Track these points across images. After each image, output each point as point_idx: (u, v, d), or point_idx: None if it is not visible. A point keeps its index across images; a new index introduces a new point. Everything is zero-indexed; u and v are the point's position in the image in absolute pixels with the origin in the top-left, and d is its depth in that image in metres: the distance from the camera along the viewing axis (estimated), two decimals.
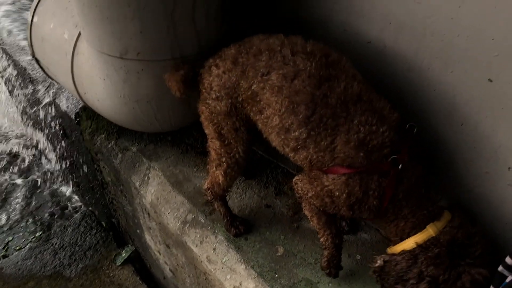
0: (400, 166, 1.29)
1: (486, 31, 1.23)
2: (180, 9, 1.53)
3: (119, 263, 2.89)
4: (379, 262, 1.34)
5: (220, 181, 1.72)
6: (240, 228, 1.84)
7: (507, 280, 1.13)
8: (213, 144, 1.67)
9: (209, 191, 1.79)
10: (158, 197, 2.13)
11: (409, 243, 1.33)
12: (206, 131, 1.68)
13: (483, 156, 1.45)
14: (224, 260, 1.82)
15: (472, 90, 1.36)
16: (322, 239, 1.56)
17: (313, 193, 1.43)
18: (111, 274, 2.83)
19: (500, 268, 1.19)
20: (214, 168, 1.71)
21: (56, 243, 3.02)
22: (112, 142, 2.40)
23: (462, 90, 1.40)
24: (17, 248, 3.17)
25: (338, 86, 1.33)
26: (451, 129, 1.50)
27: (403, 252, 1.32)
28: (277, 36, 1.48)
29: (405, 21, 1.44)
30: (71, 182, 3.61)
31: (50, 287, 2.75)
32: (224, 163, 1.66)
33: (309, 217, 1.55)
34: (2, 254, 3.12)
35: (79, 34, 1.96)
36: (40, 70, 2.50)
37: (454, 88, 1.42)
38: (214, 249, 1.87)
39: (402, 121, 1.37)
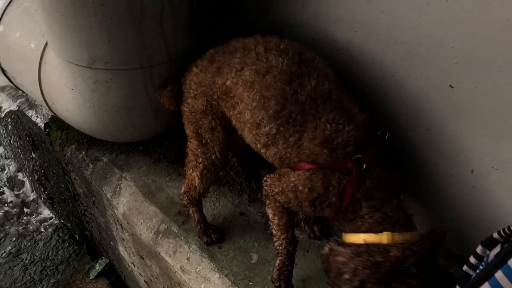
0: (364, 166, 1.30)
1: (445, 39, 1.27)
2: (148, 19, 1.53)
3: (93, 276, 2.83)
4: (325, 250, 1.30)
5: (196, 184, 1.71)
6: (212, 237, 1.84)
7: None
8: (191, 145, 1.67)
9: (185, 195, 1.79)
10: (130, 207, 2.11)
11: (359, 238, 1.30)
12: (186, 132, 1.69)
13: (448, 159, 1.49)
14: (198, 269, 1.81)
15: (435, 96, 1.41)
16: (276, 243, 1.56)
17: (280, 189, 1.43)
18: None
19: (465, 267, 1.22)
20: (191, 170, 1.71)
21: (26, 258, 2.94)
22: (83, 152, 2.36)
23: (426, 96, 1.44)
24: None
25: (308, 83, 1.34)
26: (418, 134, 1.53)
27: (349, 245, 1.28)
28: (254, 36, 1.51)
29: (370, 29, 1.48)
30: (42, 194, 3.52)
31: None
32: (201, 164, 1.66)
33: (270, 216, 1.55)
34: None
35: (46, 43, 1.93)
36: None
37: (418, 95, 1.46)
38: (188, 259, 1.85)
39: (372, 124, 1.39)
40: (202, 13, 1.75)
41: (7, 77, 2.36)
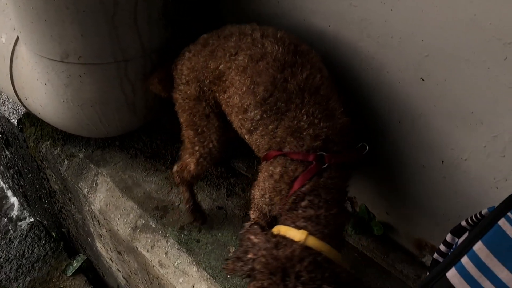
0: (325, 164, 1.28)
1: (416, 33, 1.30)
2: (121, 13, 1.51)
3: (70, 274, 2.80)
4: (247, 225, 1.26)
5: (191, 169, 1.70)
6: (198, 217, 1.87)
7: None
8: (187, 133, 1.65)
9: (177, 174, 1.78)
10: (107, 203, 2.09)
11: (278, 228, 1.25)
12: (181, 120, 1.66)
13: (419, 151, 1.52)
14: (176, 263, 1.81)
15: (407, 89, 1.44)
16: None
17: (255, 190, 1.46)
18: (62, 286, 2.74)
19: (435, 255, 1.26)
20: (187, 155, 1.69)
21: (1, 257, 2.88)
22: (58, 149, 2.32)
23: (398, 89, 1.47)
24: None
25: (300, 74, 1.33)
26: (391, 126, 1.56)
27: (265, 230, 1.22)
28: (251, 24, 1.50)
29: (343, 23, 1.50)
30: (17, 192, 3.45)
31: None
32: (197, 152, 1.65)
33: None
34: None
35: (17, 37, 1.88)
36: None
37: (390, 87, 1.48)
38: (166, 253, 1.85)
39: (351, 130, 1.37)
40: (177, 6, 1.73)
41: None
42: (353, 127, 1.38)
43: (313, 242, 1.16)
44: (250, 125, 1.41)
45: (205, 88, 1.53)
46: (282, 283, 1.06)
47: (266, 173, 1.38)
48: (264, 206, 1.44)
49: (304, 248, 1.12)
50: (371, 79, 1.53)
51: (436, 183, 1.54)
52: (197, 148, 1.64)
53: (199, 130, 1.60)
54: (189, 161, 1.69)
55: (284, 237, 1.17)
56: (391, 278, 1.71)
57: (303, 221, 1.22)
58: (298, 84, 1.32)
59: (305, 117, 1.31)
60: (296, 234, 1.17)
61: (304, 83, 1.33)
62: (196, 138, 1.62)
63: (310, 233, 1.18)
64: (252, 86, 1.37)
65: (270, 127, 1.36)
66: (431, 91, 1.37)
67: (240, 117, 1.44)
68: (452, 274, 0.93)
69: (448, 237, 1.21)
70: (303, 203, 1.25)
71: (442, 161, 1.47)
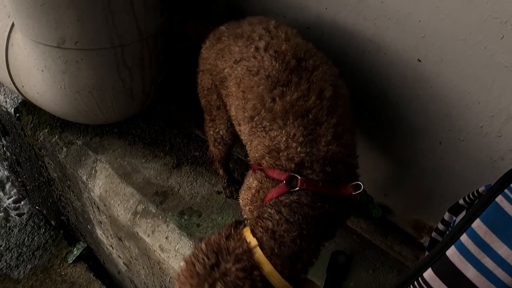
0: (297, 188, 1.18)
1: (412, 13, 1.30)
2: None
3: (71, 261, 2.82)
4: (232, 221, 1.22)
5: (211, 150, 1.78)
6: (233, 193, 1.93)
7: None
8: (204, 117, 1.69)
9: (210, 153, 1.84)
10: (106, 189, 2.10)
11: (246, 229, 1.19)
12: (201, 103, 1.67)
13: (417, 133, 1.54)
14: (177, 247, 1.83)
15: (404, 71, 1.44)
16: None
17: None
18: (63, 273, 2.76)
19: (433, 234, 1.28)
20: (208, 138, 1.76)
21: (1, 245, 2.89)
22: (56, 136, 2.32)
23: (395, 70, 1.47)
24: None
25: (290, 94, 1.24)
26: (388, 108, 1.57)
27: (231, 225, 1.18)
28: (268, 22, 1.41)
29: (340, 6, 1.49)
30: (15, 181, 3.45)
31: None
32: (212, 137, 1.70)
33: None
34: None
35: (13, 24, 1.87)
36: None
37: (388, 69, 1.49)
38: (167, 238, 1.87)
39: (337, 162, 1.21)
40: None
41: None
42: (348, 160, 1.24)
43: (259, 254, 1.09)
44: (243, 137, 1.41)
45: (216, 82, 1.50)
46: (210, 270, 1.04)
47: (247, 184, 1.37)
48: (245, 215, 1.43)
49: (248, 253, 1.08)
50: (368, 62, 1.53)
51: (434, 165, 1.55)
52: (211, 132, 1.69)
53: (212, 117, 1.63)
54: (209, 143, 1.77)
55: (240, 235, 1.13)
56: (390, 259, 1.73)
57: (260, 230, 1.15)
58: (284, 106, 1.23)
59: (283, 138, 1.22)
60: (250, 239, 1.12)
61: (291, 105, 1.22)
62: (210, 124, 1.67)
63: (261, 246, 1.11)
64: (243, 102, 1.33)
65: (255, 143, 1.32)
66: (427, 72, 1.38)
67: (237, 128, 1.45)
68: (452, 253, 0.94)
69: (446, 216, 1.23)
70: (265, 214, 1.18)
71: (440, 142, 1.49)
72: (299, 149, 1.20)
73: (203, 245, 1.10)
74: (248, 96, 1.31)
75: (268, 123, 1.26)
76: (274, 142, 1.24)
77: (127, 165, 2.13)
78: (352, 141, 1.30)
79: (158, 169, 2.11)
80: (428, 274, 0.97)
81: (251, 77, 1.32)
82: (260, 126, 1.28)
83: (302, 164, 1.20)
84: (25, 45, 1.77)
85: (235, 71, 1.37)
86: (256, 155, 1.32)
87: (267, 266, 1.08)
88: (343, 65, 1.59)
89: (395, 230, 1.80)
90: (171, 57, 1.95)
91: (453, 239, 0.95)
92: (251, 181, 1.35)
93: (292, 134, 1.21)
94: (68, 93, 1.79)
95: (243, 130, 1.37)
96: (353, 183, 1.20)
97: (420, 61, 1.37)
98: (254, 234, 1.14)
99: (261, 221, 1.17)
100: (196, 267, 1.06)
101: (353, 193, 1.19)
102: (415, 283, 1.00)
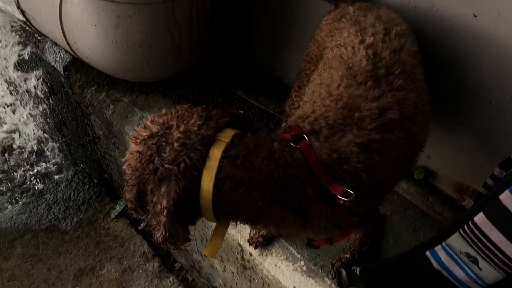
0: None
1: None
2: None
3: (114, 216, 2.95)
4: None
5: (287, 111, 1.74)
6: None
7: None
8: (295, 80, 1.67)
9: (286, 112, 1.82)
10: None
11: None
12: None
13: (467, 91, 1.52)
14: None
15: (458, 27, 1.42)
16: None
17: None
18: (106, 227, 2.90)
19: (482, 189, 1.28)
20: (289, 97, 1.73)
21: (49, 199, 3.05)
22: (103, 94, 2.40)
23: (448, 27, 1.45)
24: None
25: (357, 90, 1.15)
26: (438, 67, 1.55)
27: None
28: (383, 13, 1.36)
29: None
30: (59, 141, 3.61)
31: (46, 239, 2.81)
32: (290, 100, 1.69)
33: None
34: None
35: None
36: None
37: (441, 27, 1.47)
38: None
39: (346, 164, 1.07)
40: None
41: (27, 19, 2.37)
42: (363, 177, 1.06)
43: (216, 150, 0.97)
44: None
45: (317, 56, 1.46)
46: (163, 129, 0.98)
47: None
48: None
49: (206, 138, 0.97)
50: (421, 19, 1.51)
51: (482, 125, 1.54)
52: (293, 96, 1.66)
53: (301, 84, 1.60)
54: (288, 101, 1.73)
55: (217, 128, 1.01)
56: (431, 220, 1.74)
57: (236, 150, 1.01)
58: (345, 98, 1.14)
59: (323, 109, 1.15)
60: (223, 136, 1.00)
61: (350, 99, 1.13)
62: (297, 88, 1.63)
63: (225, 152, 0.97)
64: (312, 93, 1.24)
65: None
66: (483, 28, 1.35)
67: None
68: (505, 196, 0.94)
69: (496, 171, 1.23)
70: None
71: (490, 102, 1.47)
72: (323, 123, 1.10)
73: (178, 110, 1.02)
74: (324, 74, 1.25)
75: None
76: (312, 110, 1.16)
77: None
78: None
79: None
80: (479, 217, 0.98)
81: (338, 60, 1.25)
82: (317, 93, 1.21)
83: (318, 132, 1.09)
84: (79, 0, 1.83)
85: (331, 53, 1.30)
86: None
87: (213, 162, 0.96)
88: None
89: (436, 192, 1.81)
90: (218, 17, 1.98)
91: (507, 184, 0.95)
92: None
93: (330, 114, 1.11)
94: (119, 48, 1.85)
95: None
96: (345, 189, 1.03)
97: (475, 16, 1.35)
98: (232, 143, 1.00)
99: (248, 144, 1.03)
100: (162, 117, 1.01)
101: (339, 196, 1.02)
102: (465, 227, 1.02)
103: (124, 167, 1.03)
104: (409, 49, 1.25)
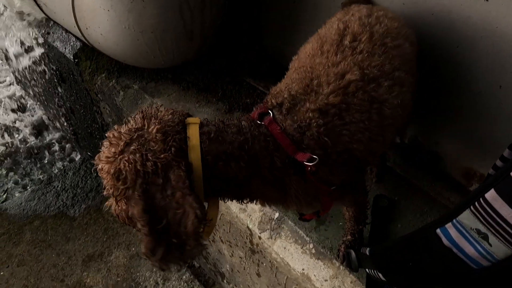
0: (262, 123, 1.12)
1: None
2: None
3: None
4: None
5: None
6: None
7: None
8: None
9: None
10: None
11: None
12: None
13: (477, 76, 1.53)
14: None
15: (469, 11, 1.43)
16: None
17: None
18: None
19: (491, 171, 1.30)
20: None
21: (58, 186, 3.09)
22: (113, 81, 2.43)
23: (459, 11, 1.46)
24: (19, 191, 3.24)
25: (319, 57, 1.23)
26: (449, 51, 1.57)
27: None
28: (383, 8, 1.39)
29: None
30: (67, 129, 3.63)
31: (55, 226, 2.84)
32: None
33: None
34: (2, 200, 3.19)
35: None
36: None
37: (451, 10, 1.48)
38: None
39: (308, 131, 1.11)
40: None
41: (38, 6, 2.40)
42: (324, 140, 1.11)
43: (193, 129, 1.02)
44: None
45: None
46: (134, 131, 0.98)
47: None
48: None
49: (179, 124, 1.02)
50: (431, 3, 1.52)
51: (491, 110, 1.55)
52: None
53: None
54: None
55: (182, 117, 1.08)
56: (438, 204, 1.76)
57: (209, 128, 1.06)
58: (309, 61, 1.23)
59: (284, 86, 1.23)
60: (192, 120, 1.06)
61: (313, 64, 1.21)
62: None
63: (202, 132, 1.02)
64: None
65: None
66: (493, 12, 1.36)
67: None
68: None
69: (506, 153, 1.24)
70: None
71: (500, 86, 1.48)
72: (286, 95, 1.16)
73: (138, 114, 1.05)
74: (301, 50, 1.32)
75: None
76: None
77: (181, 109, 2.21)
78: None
79: (211, 113, 2.18)
80: (490, 194, 1.00)
81: (316, 36, 1.33)
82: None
83: (281, 105, 1.14)
84: None
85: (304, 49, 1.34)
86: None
87: (195, 141, 1.00)
88: (403, 7, 1.59)
89: (444, 178, 1.82)
90: (230, 1, 2.00)
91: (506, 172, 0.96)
92: None
93: (293, 85, 1.18)
94: (132, 33, 1.87)
95: None
96: (310, 155, 1.06)
97: (487, 0, 1.36)
98: (202, 124, 1.06)
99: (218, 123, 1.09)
100: (123, 128, 1.02)
101: (305, 162, 1.05)
102: (476, 204, 1.03)
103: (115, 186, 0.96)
104: (386, 24, 1.28)
